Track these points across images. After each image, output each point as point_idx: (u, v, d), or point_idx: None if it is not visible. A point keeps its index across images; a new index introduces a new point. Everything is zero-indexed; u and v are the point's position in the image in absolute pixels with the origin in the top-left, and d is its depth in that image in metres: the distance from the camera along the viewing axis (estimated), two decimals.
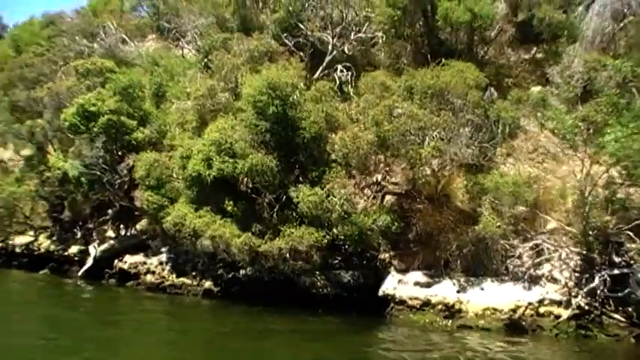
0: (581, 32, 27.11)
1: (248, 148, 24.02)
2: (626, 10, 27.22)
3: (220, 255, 25.26)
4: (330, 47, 29.15)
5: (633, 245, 21.36)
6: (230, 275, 26.69)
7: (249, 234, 23.84)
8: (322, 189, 23.22)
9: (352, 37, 29.63)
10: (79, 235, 35.05)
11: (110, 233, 34.05)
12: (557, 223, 22.87)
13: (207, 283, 27.51)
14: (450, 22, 27.29)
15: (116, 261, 31.68)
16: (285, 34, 30.06)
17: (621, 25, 27.23)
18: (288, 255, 23.41)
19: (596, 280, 21.05)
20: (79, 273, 32.70)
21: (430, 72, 23.90)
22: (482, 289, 22.64)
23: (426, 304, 22.98)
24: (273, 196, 24.48)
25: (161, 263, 29.91)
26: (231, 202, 24.70)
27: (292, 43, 29.35)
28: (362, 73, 26.81)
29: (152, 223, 30.04)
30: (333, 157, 24.15)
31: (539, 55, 30.11)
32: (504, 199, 22.00)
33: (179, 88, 30.69)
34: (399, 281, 23.67)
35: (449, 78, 23.15)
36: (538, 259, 22.32)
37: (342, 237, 23.43)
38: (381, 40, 28.94)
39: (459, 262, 23.60)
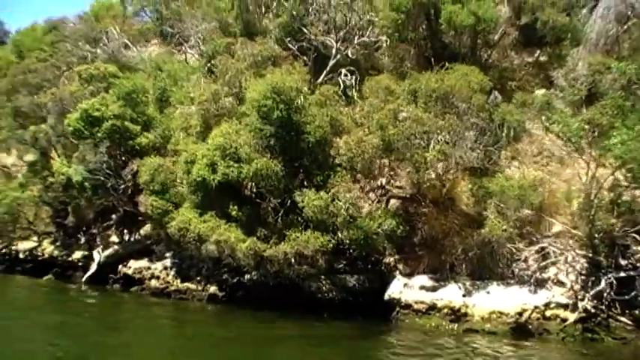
0: (585, 35, 27.10)
1: (253, 152, 24.03)
2: (629, 13, 27.23)
3: (225, 260, 25.23)
4: (333, 51, 29.15)
5: (639, 248, 21.27)
6: (235, 280, 26.62)
7: (254, 238, 23.81)
8: (327, 193, 23.20)
9: (356, 41, 29.59)
10: (82, 240, 35.05)
11: (114, 238, 34.03)
12: (562, 226, 22.82)
13: (212, 288, 27.44)
14: (454, 26, 27.30)
15: (120, 266, 31.59)
16: (288, 39, 30.02)
17: (625, 27, 27.23)
18: (293, 259, 23.39)
19: (603, 283, 20.96)
20: (83, 278, 32.69)
21: (434, 75, 23.87)
22: (488, 292, 22.58)
23: (432, 308, 22.92)
24: (278, 200, 24.47)
25: (165, 268, 29.84)
26: (235, 207, 24.69)
27: (296, 47, 29.21)
28: (366, 77, 26.82)
29: (156, 228, 30.06)
30: (337, 161, 24.11)
31: (542, 59, 30.18)
32: (510, 202, 21.96)
33: (183, 92, 30.69)
34: (405, 285, 23.61)
35: (453, 81, 23.13)
36: (544, 263, 22.23)
37: (348, 241, 23.35)
38: (384, 44, 28.90)
39: (464, 265, 23.49)
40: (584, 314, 21.01)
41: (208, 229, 24.55)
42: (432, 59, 27.67)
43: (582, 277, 21.73)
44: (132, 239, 33.29)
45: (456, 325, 22.37)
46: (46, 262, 36.07)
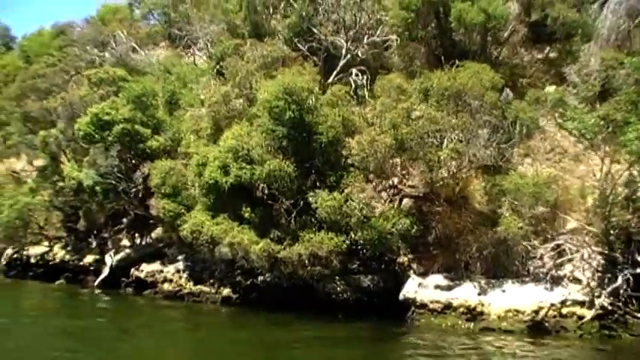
0: (596, 30, 26.95)
1: (265, 153, 23.99)
2: None
3: (239, 262, 25.22)
4: (343, 51, 29.04)
5: None
6: (248, 282, 26.61)
7: (268, 240, 23.78)
8: (341, 194, 23.15)
9: (365, 40, 29.51)
10: (94, 244, 35.09)
11: (125, 242, 34.05)
12: (577, 223, 22.69)
13: (226, 291, 27.41)
14: (464, 24, 27.22)
15: (132, 270, 31.63)
16: (297, 39, 29.94)
17: (636, 22, 27.04)
18: (307, 261, 23.33)
19: (619, 280, 20.88)
20: (96, 282, 32.70)
21: (446, 74, 23.76)
22: (503, 290, 22.48)
23: (448, 307, 22.81)
24: (291, 201, 24.39)
25: (178, 271, 29.84)
26: (248, 209, 24.66)
27: (306, 47, 29.12)
28: (376, 76, 26.68)
29: (168, 231, 30.04)
30: (350, 161, 24.03)
31: (552, 55, 29.96)
32: (524, 199, 21.86)
33: (192, 95, 30.69)
34: (420, 285, 23.52)
35: (465, 79, 23.01)
36: (559, 260, 22.11)
37: (362, 241, 23.29)
38: (395, 43, 28.81)
39: (478, 264, 23.39)
40: (600, 311, 20.88)
41: (221, 232, 24.52)
42: (442, 57, 27.49)
43: (598, 274, 21.64)
44: (143, 243, 33.30)
45: (472, 324, 22.27)
46: (57, 266, 36.16)
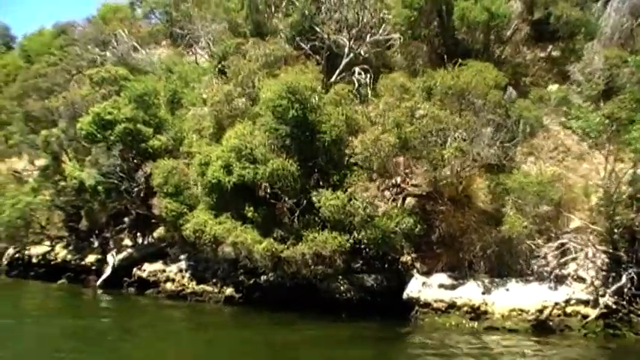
0: (599, 29, 26.90)
1: (268, 153, 23.93)
2: None
3: (242, 261, 25.16)
4: (346, 50, 28.98)
5: None
6: (251, 281, 26.57)
7: (271, 239, 23.73)
8: (344, 193, 23.09)
9: (368, 39, 29.42)
10: (95, 244, 35.02)
11: (127, 242, 34.03)
12: (581, 222, 22.63)
13: (229, 290, 27.37)
14: (467, 22, 27.13)
15: (135, 269, 31.55)
16: (299, 38, 29.87)
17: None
18: (310, 260, 23.25)
19: (623, 279, 20.83)
20: (98, 282, 32.67)
21: (450, 72, 23.70)
22: (507, 289, 22.44)
23: (451, 306, 22.78)
24: (294, 200, 24.34)
25: (180, 271, 29.78)
26: (251, 208, 24.62)
27: (308, 46, 29.05)
28: (379, 75, 26.62)
29: (170, 230, 30.01)
30: (353, 160, 23.99)
31: (554, 53, 29.92)
32: (528, 198, 21.82)
33: (195, 94, 30.62)
34: (423, 284, 23.48)
35: (469, 78, 22.95)
36: (563, 259, 22.06)
37: (366, 240, 23.22)
38: (398, 42, 28.75)
39: (482, 263, 23.36)
40: (605, 310, 20.85)
41: (224, 231, 24.48)
42: (445, 56, 27.49)
43: (603, 273, 21.58)
44: (145, 242, 33.28)
45: (476, 323, 22.24)
46: (58, 266, 36.12)
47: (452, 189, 23.70)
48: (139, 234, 33.41)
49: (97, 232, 35.22)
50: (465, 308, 22.53)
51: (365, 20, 29.43)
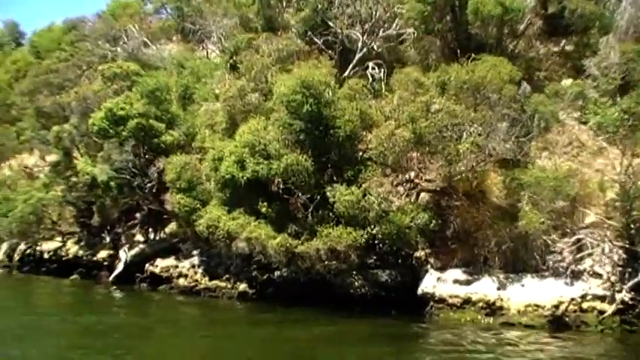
0: (614, 23, 26.70)
1: (282, 148, 23.85)
2: None
3: (256, 257, 25.12)
4: (359, 44, 28.86)
5: None
6: (265, 277, 26.53)
7: (285, 235, 23.69)
8: (358, 188, 23.01)
9: (381, 33, 29.29)
10: (107, 239, 35.07)
11: (139, 237, 34.01)
12: (596, 217, 22.50)
13: (242, 286, 27.36)
14: (481, 16, 27.01)
15: (147, 265, 31.57)
16: (311, 33, 29.75)
17: None
18: (324, 255, 23.18)
19: None
20: (110, 278, 32.70)
21: (464, 67, 23.60)
22: (522, 285, 22.34)
23: (467, 302, 22.73)
24: (307, 196, 24.28)
25: (193, 266, 29.77)
26: (264, 204, 24.58)
27: (321, 41, 28.94)
28: (393, 70, 26.52)
29: (183, 226, 29.97)
30: (367, 155, 23.94)
31: (568, 48, 29.76)
32: (544, 193, 21.70)
33: (207, 89, 30.57)
34: (438, 279, 23.39)
35: (484, 72, 22.84)
36: (580, 254, 21.91)
37: (380, 236, 23.17)
38: (412, 36, 28.63)
39: (497, 258, 23.21)
40: (621, 306, 20.77)
41: (238, 227, 24.47)
42: (458, 51, 27.38)
43: (619, 269, 21.44)
44: (157, 238, 33.22)
45: (492, 318, 22.18)
46: (70, 262, 36.22)
47: (466, 184, 23.61)
48: (150, 230, 33.36)
49: (108, 227, 35.28)
50: (481, 304, 22.46)
51: (378, 15, 29.26)
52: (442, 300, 23.07)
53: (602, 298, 21.07)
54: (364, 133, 24.22)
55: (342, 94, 24.72)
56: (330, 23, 29.30)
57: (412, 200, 24.57)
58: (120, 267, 32.55)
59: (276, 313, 24.69)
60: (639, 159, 21.60)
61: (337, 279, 24.39)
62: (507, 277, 22.71)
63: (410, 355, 19.62)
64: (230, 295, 27.57)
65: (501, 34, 28.23)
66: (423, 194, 25.13)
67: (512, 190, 22.87)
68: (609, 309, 20.78)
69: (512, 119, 22.66)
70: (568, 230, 22.62)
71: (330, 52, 28.82)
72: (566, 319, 21.18)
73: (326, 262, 23.48)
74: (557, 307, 21.32)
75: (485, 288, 22.65)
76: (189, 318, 25.83)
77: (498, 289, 22.46)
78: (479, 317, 22.35)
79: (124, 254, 32.67)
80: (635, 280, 20.75)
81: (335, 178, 24.23)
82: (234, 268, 27.90)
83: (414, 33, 28.56)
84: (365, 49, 28.85)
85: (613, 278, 21.25)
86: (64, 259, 36.65)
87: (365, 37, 29.03)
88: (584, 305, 21.21)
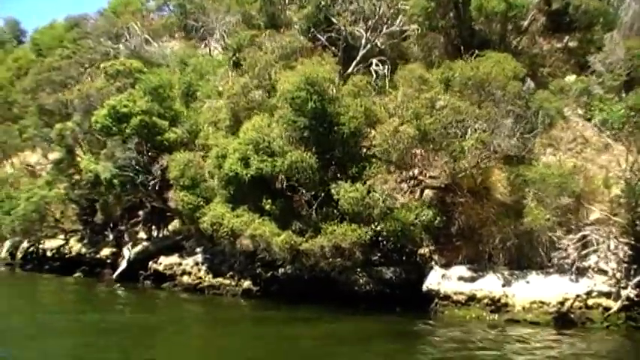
0: (619, 19, 26.66)
1: (286, 145, 23.77)
2: None
3: (260, 254, 25.04)
4: (363, 41, 28.75)
5: None
6: (269, 274, 26.50)
7: (290, 232, 23.60)
8: (363, 185, 22.94)
9: (384, 30, 29.21)
10: (110, 237, 35.06)
11: (142, 235, 34.07)
12: (601, 214, 22.45)
13: (246, 283, 27.32)
14: (485, 13, 26.89)
15: (151, 263, 31.57)
16: (314, 30, 29.67)
17: None
18: (329, 253, 23.13)
19: None
20: (114, 276, 32.70)
21: (468, 63, 23.54)
22: (527, 282, 22.32)
23: (472, 298, 22.69)
24: (312, 193, 24.22)
25: (197, 264, 29.74)
26: (268, 201, 24.48)
27: (324, 38, 28.87)
28: (396, 66, 26.48)
29: (186, 223, 29.97)
30: (371, 152, 23.89)
31: (572, 44, 29.69)
32: (549, 190, 21.64)
33: (210, 86, 30.50)
34: (443, 276, 23.37)
35: (488, 69, 22.78)
36: (585, 251, 21.86)
37: (385, 233, 23.10)
38: (415, 32, 28.55)
39: (501, 255, 23.20)
40: (627, 302, 20.73)
41: (242, 224, 24.38)
42: (461, 47, 27.33)
43: (624, 265, 21.39)
44: (160, 235, 33.24)
45: (497, 315, 22.16)
46: (73, 260, 36.30)
47: (471, 181, 23.57)
48: (153, 227, 33.41)
49: (111, 225, 35.26)
50: (486, 300, 22.43)
51: (381, 11, 29.16)
52: (447, 297, 23.04)
53: (608, 295, 21.03)
54: (368, 129, 24.12)
55: (346, 91, 24.62)
56: (333, 20, 29.15)
57: (416, 197, 24.55)
58: (123, 265, 32.54)
59: (280, 310, 24.65)
60: None
61: (341, 276, 24.36)
62: (512, 274, 22.70)
63: (419, 354, 19.37)
64: (234, 292, 27.53)
65: (505, 30, 28.12)
66: (427, 191, 25.13)
67: (516, 186, 22.81)
68: (615, 306, 20.74)
69: (516, 116, 22.57)
70: (573, 227, 22.57)
71: (333, 48, 28.69)
72: (572, 315, 21.14)
73: (330, 260, 23.37)
74: (562, 303, 21.28)
75: (490, 285, 22.62)
76: (193, 316, 25.84)
77: (503, 285, 22.43)
78: (484, 314, 22.30)
79: (128, 252, 32.68)
80: None
81: (339, 175, 24.13)
82: (238, 266, 27.86)
83: (417, 29, 28.46)
84: (368, 46, 28.74)
85: (618, 275, 21.22)
86: (66, 257, 36.71)
87: (368, 34, 28.89)
88: (590, 302, 21.17)
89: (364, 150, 24.42)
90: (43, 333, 21.89)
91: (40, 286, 34.34)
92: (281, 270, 25.81)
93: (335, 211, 23.54)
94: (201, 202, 27.05)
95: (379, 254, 24.93)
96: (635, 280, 20.77)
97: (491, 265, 23.19)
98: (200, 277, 29.12)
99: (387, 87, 26.63)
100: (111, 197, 33.12)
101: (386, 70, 27.33)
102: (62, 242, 37.27)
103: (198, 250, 30.14)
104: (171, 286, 29.96)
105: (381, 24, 29.27)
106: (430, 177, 25.10)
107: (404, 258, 24.88)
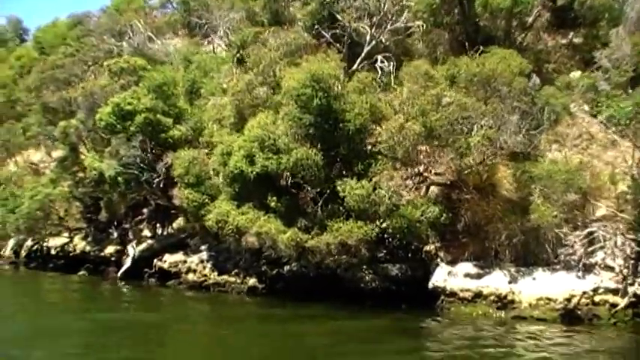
0: (624, 14, 26.59)
1: (291, 142, 23.73)
2: None
3: (266, 251, 25.05)
4: (368, 38, 28.66)
5: None
6: (274, 272, 26.45)
7: (296, 229, 23.57)
8: (369, 182, 22.90)
9: (389, 26, 29.14)
10: (114, 235, 34.96)
11: (146, 233, 33.99)
12: (607, 210, 22.40)
13: (252, 281, 27.25)
14: (490, 9, 26.90)
15: (155, 260, 31.46)
16: (319, 27, 29.61)
17: None
18: (335, 250, 23.09)
19: None
20: (118, 274, 32.59)
21: (474, 60, 23.48)
22: (534, 278, 22.26)
23: (478, 295, 22.63)
24: (317, 190, 24.19)
25: (202, 261, 29.64)
26: (274, 198, 24.48)
27: (329, 34, 28.80)
28: (401, 63, 26.40)
29: (191, 221, 29.92)
30: (377, 148, 23.83)
31: (576, 40, 29.65)
32: (556, 186, 21.59)
33: (214, 84, 30.45)
34: (449, 273, 23.30)
35: (494, 65, 22.73)
36: (591, 247, 21.80)
37: (391, 230, 23.08)
38: (420, 29, 28.52)
39: (508, 252, 23.14)
40: (634, 299, 20.69)
41: (248, 221, 24.37)
42: (466, 43, 27.31)
43: (631, 262, 21.29)
44: (164, 233, 33.19)
45: (503, 312, 22.11)
46: (77, 257, 36.10)
47: (476, 177, 23.54)
48: (158, 225, 33.36)
49: (116, 223, 35.17)
50: (492, 297, 22.38)
51: (386, 8, 29.07)
52: (453, 294, 22.99)
53: (615, 292, 20.99)
54: (374, 126, 24.01)
55: (352, 88, 24.57)
56: (338, 16, 29.10)
57: (422, 194, 24.45)
58: (128, 262, 32.45)
59: (285, 308, 24.60)
60: None
61: (347, 273, 24.33)
62: (518, 271, 22.64)
63: (429, 351, 19.29)
64: (239, 290, 27.46)
65: (510, 26, 28.21)
66: (433, 188, 25.02)
67: (522, 183, 22.80)
68: (621, 302, 20.72)
69: (522, 112, 22.56)
70: (579, 223, 22.51)
71: (338, 45, 28.63)
72: (579, 312, 21.09)
73: (336, 257, 23.38)
74: (569, 300, 21.23)
75: (496, 281, 22.57)
76: (198, 313, 25.78)
77: (510, 282, 22.39)
78: (490, 311, 22.26)
79: (132, 250, 32.60)
80: None
81: (345, 172, 24.09)
82: (243, 263, 27.83)
83: (422, 26, 28.49)
84: (373, 43, 28.65)
85: (625, 271, 21.14)
86: (71, 255, 36.53)
87: (373, 31, 28.81)
88: (596, 298, 21.13)
89: (370, 147, 24.36)
90: (49, 332, 21.82)
91: (44, 284, 34.25)
92: (286, 267, 25.79)
93: (341, 208, 23.54)
94: (206, 200, 27.04)
95: (385, 251, 24.87)
96: None
97: (498, 261, 23.13)
98: (205, 275, 29.02)
99: (392, 83, 26.57)
100: (115, 195, 33.02)
101: (391, 67, 27.27)
102: (66, 240, 37.10)
103: (203, 247, 30.05)
104: (176, 284, 29.86)
105: (385, 20, 29.16)
106: (436, 174, 25.03)
107: (410, 255, 24.81)
